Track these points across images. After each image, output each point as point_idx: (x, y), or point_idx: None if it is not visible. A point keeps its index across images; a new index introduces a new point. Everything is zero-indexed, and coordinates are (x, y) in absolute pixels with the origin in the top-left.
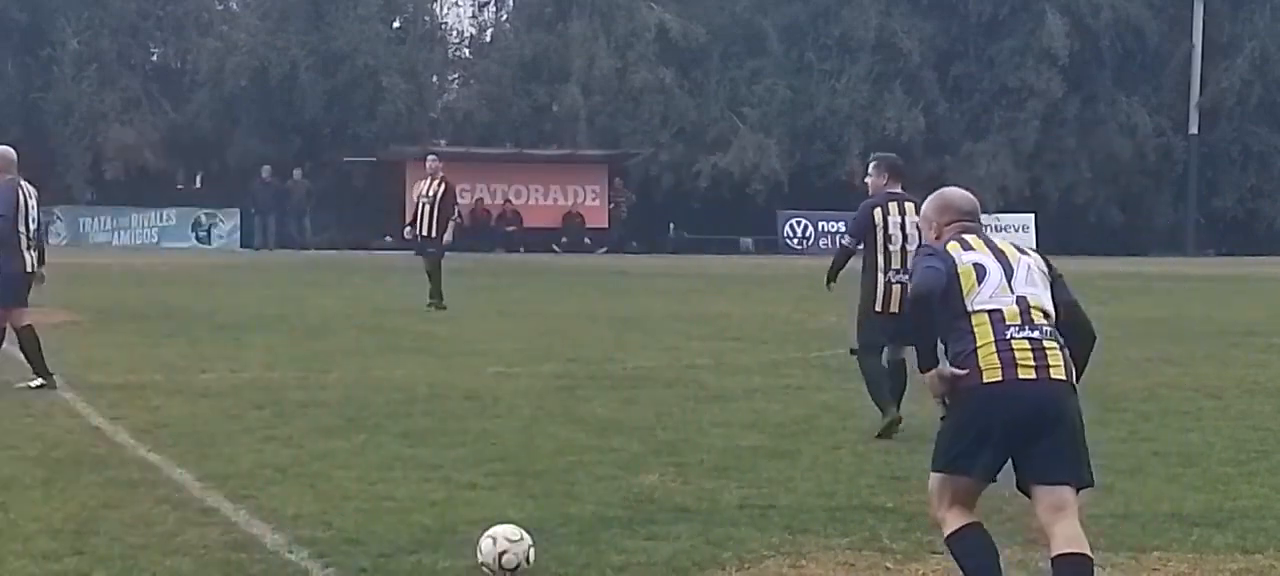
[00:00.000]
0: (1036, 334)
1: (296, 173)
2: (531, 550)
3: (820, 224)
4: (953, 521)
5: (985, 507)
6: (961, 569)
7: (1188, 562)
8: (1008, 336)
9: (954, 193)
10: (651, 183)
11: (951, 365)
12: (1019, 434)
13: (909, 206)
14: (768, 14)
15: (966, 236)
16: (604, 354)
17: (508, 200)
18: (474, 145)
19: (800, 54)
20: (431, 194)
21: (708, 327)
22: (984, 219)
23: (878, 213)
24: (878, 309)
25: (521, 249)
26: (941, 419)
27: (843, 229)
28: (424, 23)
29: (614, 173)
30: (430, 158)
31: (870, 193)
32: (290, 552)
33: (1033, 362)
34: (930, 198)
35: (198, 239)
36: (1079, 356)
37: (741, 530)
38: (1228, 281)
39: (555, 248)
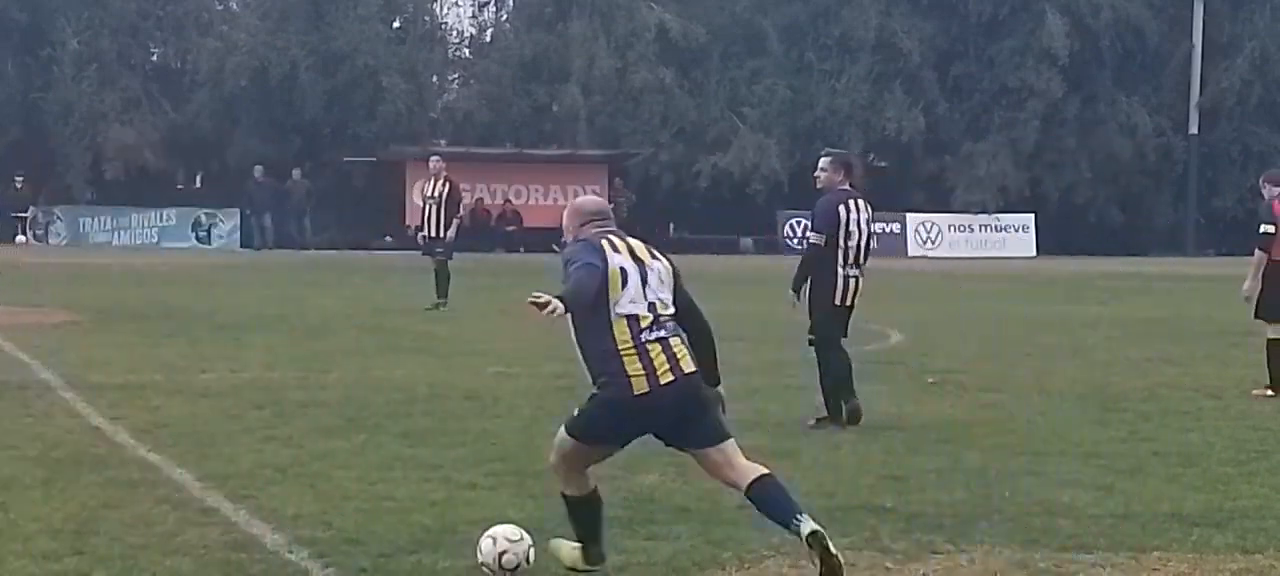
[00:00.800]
0: (664, 332)
1: (296, 173)
2: (531, 550)
3: None
4: (576, 485)
5: (984, 507)
6: (575, 521)
7: (1188, 562)
8: (643, 339)
9: (584, 199)
10: (651, 183)
11: (588, 359)
12: (667, 427)
13: (862, 203)
14: (768, 14)
15: (613, 237)
16: None
17: (508, 200)
18: (474, 145)
19: (800, 54)
20: (437, 194)
21: None
22: (983, 219)
23: (841, 209)
24: (838, 302)
25: (521, 249)
26: (591, 398)
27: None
28: (424, 23)
29: (614, 173)
30: (434, 158)
31: (821, 187)
32: (290, 552)
33: (668, 365)
34: (567, 209)
35: (198, 239)
36: (707, 356)
37: (742, 530)
38: (1228, 281)
39: (555, 247)
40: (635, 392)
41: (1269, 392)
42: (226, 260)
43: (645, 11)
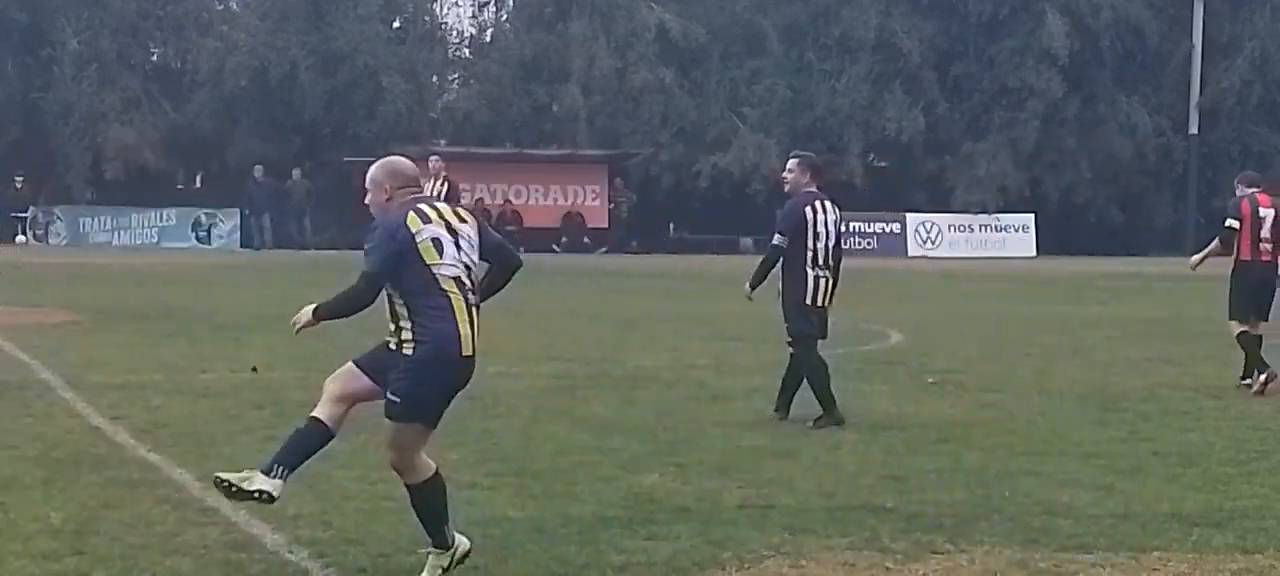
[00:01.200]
0: (477, 299)
1: (296, 172)
2: None
3: None
4: (424, 468)
5: (984, 507)
6: (422, 509)
7: (1188, 562)
8: (469, 302)
9: (402, 161)
10: (651, 182)
11: (414, 314)
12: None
13: (830, 204)
14: (768, 14)
15: (422, 206)
16: (604, 354)
17: (508, 200)
18: (474, 145)
19: (800, 54)
20: (436, 194)
21: (708, 328)
22: (983, 219)
23: (808, 210)
24: (809, 301)
25: (521, 249)
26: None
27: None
28: (424, 22)
29: (614, 173)
30: (433, 158)
31: (788, 189)
32: (290, 552)
33: (473, 336)
34: (380, 164)
35: (198, 239)
36: (497, 283)
37: (742, 530)
38: (1228, 282)
39: (555, 247)
40: (463, 353)
41: (1264, 380)
42: (226, 260)
43: (645, 11)
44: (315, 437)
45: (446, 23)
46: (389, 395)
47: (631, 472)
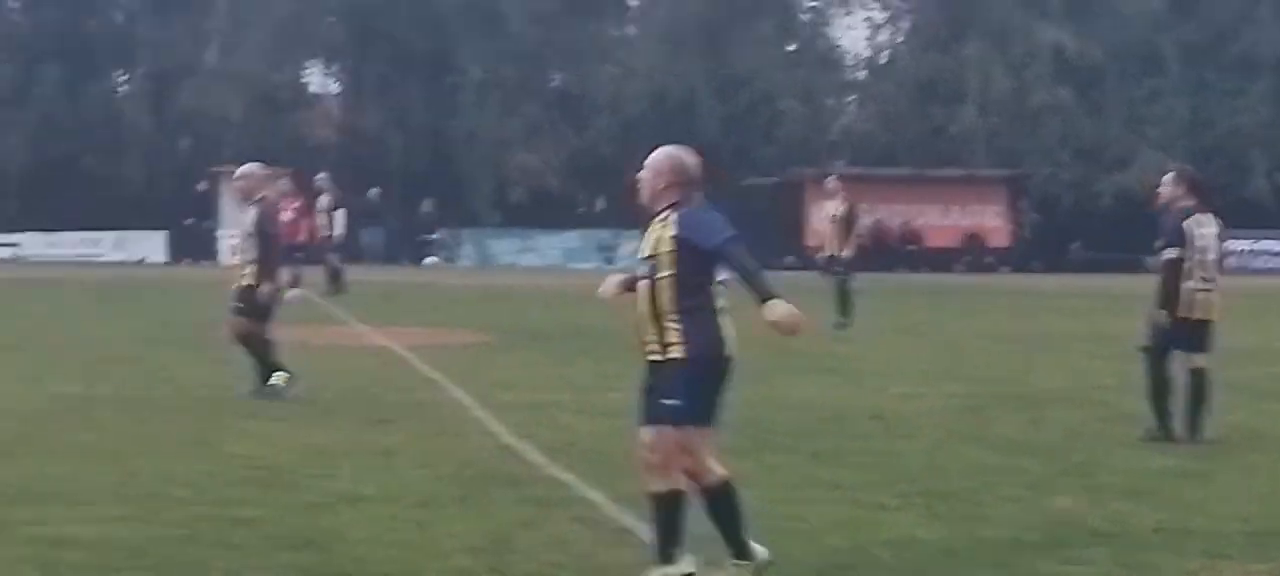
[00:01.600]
0: None
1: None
2: None
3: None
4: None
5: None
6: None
7: None
8: None
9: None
10: (1052, 201)
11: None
12: None
13: (1210, 218)
14: (1165, 33)
15: None
16: (1009, 374)
17: (907, 221)
18: (871, 166)
19: (1199, 73)
20: (836, 214)
21: (1112, 347)
22: None
23: (1188, 223)
24: (1183, 314)
25: (923, 269)
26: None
27: (1165, 242)
28: (819, 45)
29: (1014, 192)
30: (831, 179)
31: (1163, 203)
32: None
33: None
34: (669, 153)
35: (604, 260)
36: None
37: (1158, 554)
38: None
39: (957, 267)
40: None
41: None
42: None
43: (1041, 32)
44: (681, 503)
45: (841, 45)
46: (667, 401)
47: (1042, 494)
